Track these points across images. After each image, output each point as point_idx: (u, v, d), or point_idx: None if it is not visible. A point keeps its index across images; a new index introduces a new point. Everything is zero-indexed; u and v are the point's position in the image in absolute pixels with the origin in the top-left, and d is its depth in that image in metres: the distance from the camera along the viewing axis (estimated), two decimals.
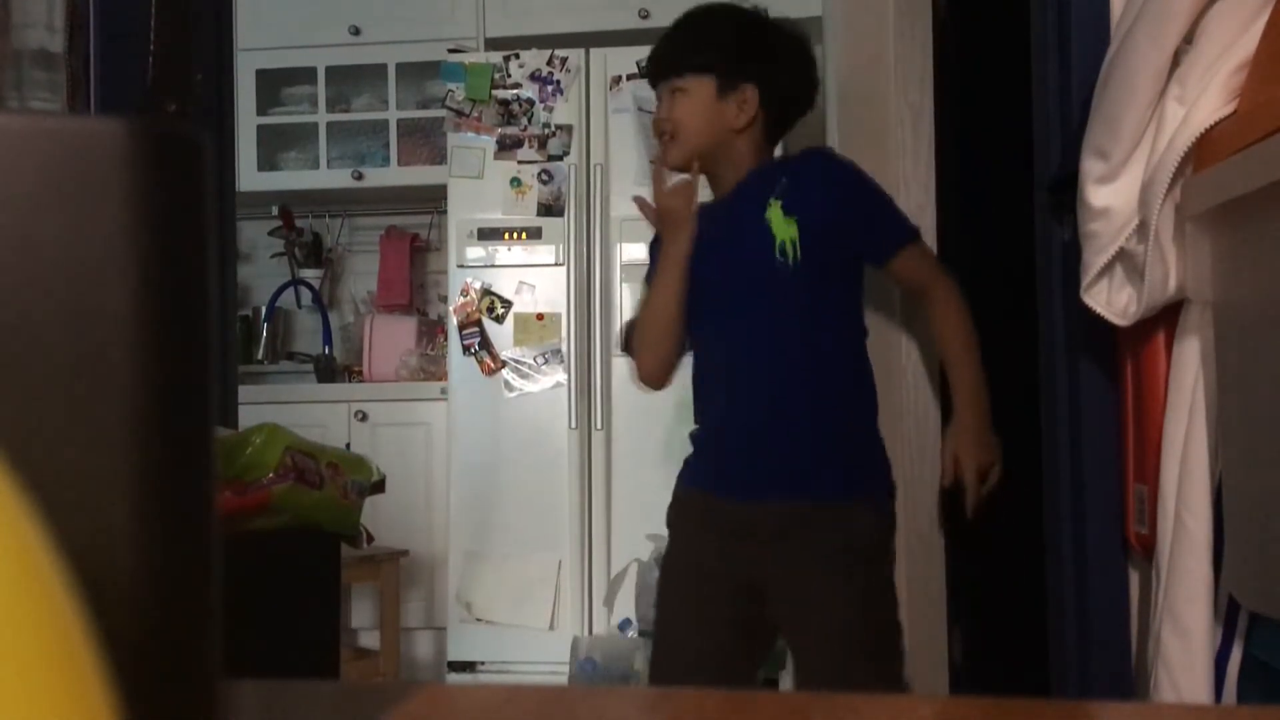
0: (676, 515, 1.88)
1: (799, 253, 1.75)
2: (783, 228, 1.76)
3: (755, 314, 1.78)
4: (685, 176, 1.82)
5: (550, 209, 3.46)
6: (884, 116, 2.55)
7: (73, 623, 0.22)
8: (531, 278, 3.47)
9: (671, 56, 1.85)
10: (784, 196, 1.78)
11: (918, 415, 2.49)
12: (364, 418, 3.81)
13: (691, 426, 1.90)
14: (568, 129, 3.47)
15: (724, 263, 1.82)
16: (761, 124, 1.86)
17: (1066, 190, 1.48)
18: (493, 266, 3.49)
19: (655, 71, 1.88)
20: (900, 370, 2.50)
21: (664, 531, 1.93)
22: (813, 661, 1.76)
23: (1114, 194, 1.32)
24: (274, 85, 4.21)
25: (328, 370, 4.19)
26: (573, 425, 3.39)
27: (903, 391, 2.51)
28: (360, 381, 4.10)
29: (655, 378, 1.89)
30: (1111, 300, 1.37)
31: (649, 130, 3.28)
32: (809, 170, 1.86)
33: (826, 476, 1.76)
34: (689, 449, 1.91)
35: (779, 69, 1.86)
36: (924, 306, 1.97)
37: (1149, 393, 1.39)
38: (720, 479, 1.81)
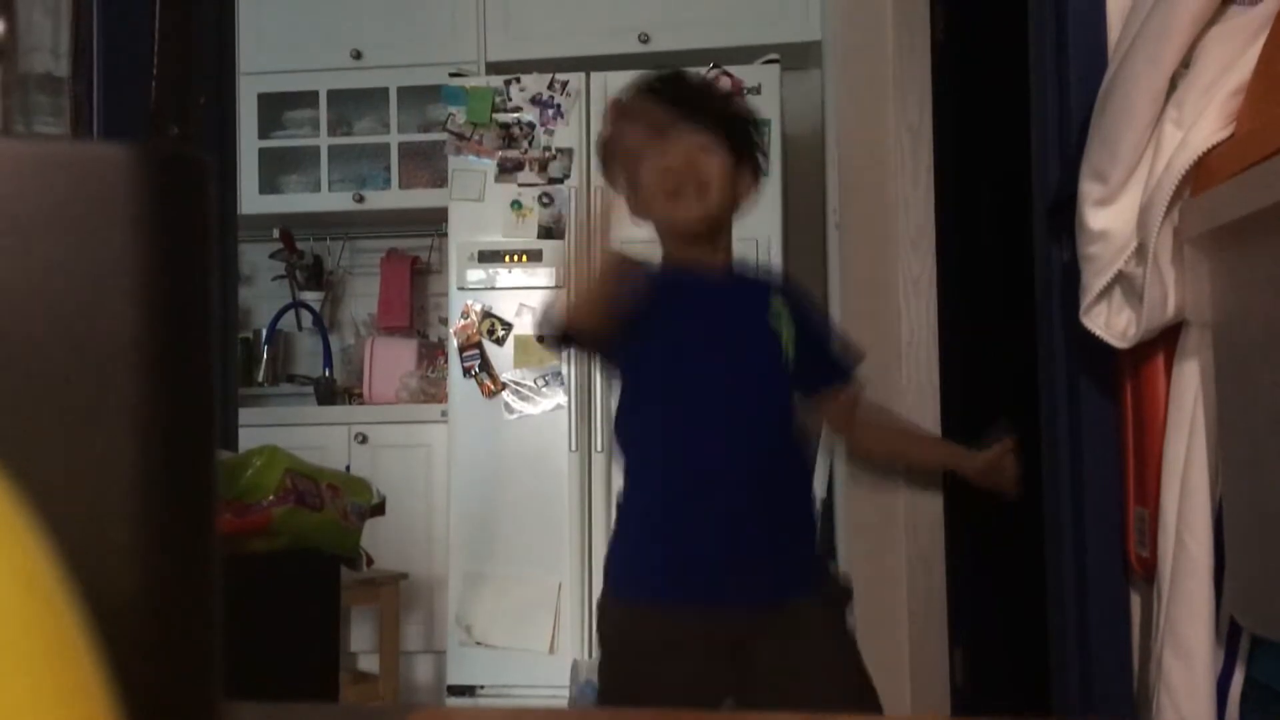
0: (629, 633, 1.67)
1: (793, 363, 1.72)
2: (789, 336, 1.72)
3: (753, 413, 1.69)
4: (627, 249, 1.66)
5: (551, 232, 3.47)
6: (883, 139, 2.56)
7: (76, 642, 0.22)
8: (532, 300, 3.47)
9: (701, 112, 1.71)
10: (788, 305, 1.75)
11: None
12: (364, 440, 3.81)
13: None
14: (568, 152, 3.48)
15: (720, 352, 1.70)
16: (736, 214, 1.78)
17: (1065, 213, 1.49)
18: (493, 289, 3.50)
19: (676, 118, 1.71)
20: (900, 391, 2.50)
21: None
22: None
23: (1112, 216, 1.32)
24: (276, 109, 4.22)
25: (328, 392, 4.19)
26: (573, 448, 3.38)
27: (902, 410, 2.51)
28: (360, 403, 4.10)
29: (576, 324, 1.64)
30: (1111, 323, 1.37)
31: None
32: (797, 286, 1.85)
33: (807, 573, 1.73)
34: None
35: (758, 154, 1.81)
36: (846, 431, 1.97)
37: (1149, 415, 1.39)
38: (703, 585, 1.63)
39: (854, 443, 2.04)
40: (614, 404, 1.83)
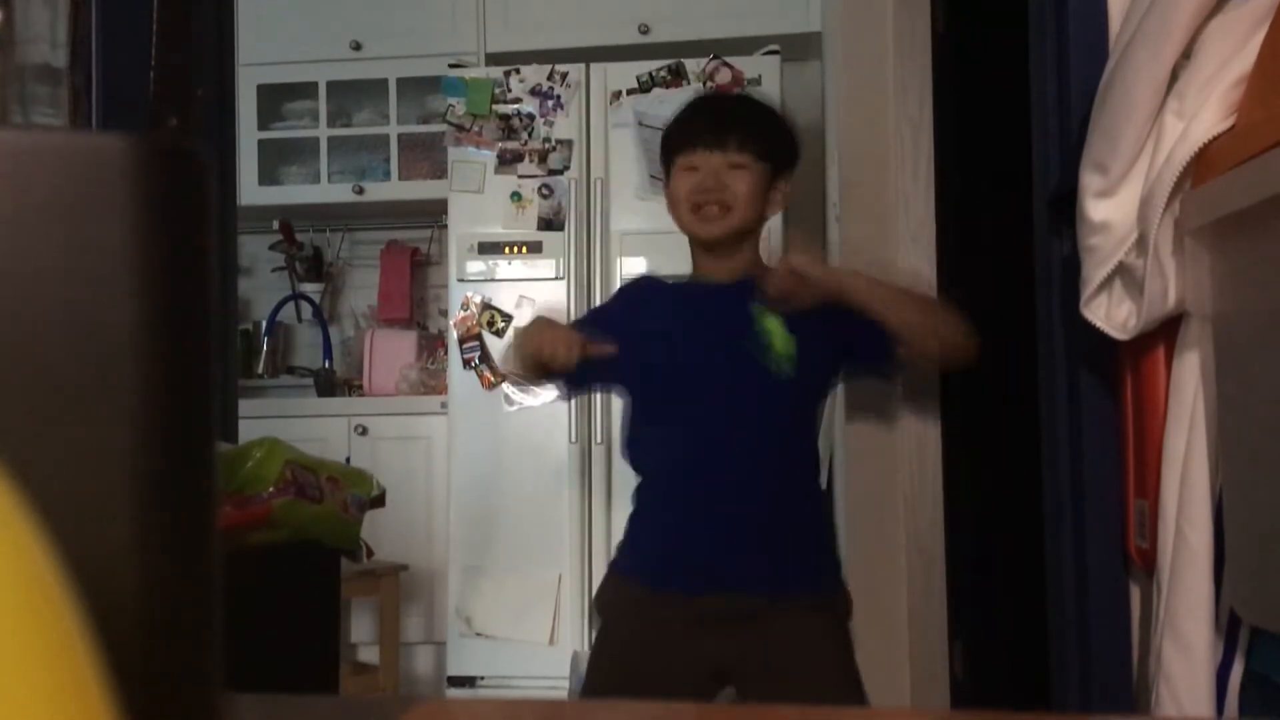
0: (620, 608, 1.79)
1: (795, 368, 1.73)
2: (783, 342, 1.73)
3: (744, 416, 1.74)
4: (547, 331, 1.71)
5: (550, 223, 3.46)
6: (884, 131, 2.55)
7: (76, 636, 0.22)
8: (532, 292, 3.47)
9: (739, 131, 1.77)
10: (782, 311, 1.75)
11: (918, 432, 2.49)
12: (364, 432, 3.81)
13: None
14: (568, 143, 3.48)
15: (715, 355, 1.76)
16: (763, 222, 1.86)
17: (1066, 205, 1.48)
18: (493, 280, 3.49)
19: (714, 138, 1.77)
20: (899, 381, 2.50)
21: None
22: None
23: (1113, 208, 1.32)
24: (275, 100, 4.22)
25: (328, 384, 4.19)
26: (573, 440, 3.38)
27: (902, 409, 2.51)
28: (360, 395, 4.10)
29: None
30: (1111, 314, 1.37)
31: (649, 145, 3.28)
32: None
33: (807, 574, 1.75)
34: None
35: (795, 168, 1.88)
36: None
37: (1149, 407, 1.39)
38: (690, 573, 1.72)
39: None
40: (617, 409, 1.89)
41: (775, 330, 1.73)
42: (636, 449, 1.83)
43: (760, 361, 1.72)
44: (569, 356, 1.67)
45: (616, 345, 1.74)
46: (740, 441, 1.73)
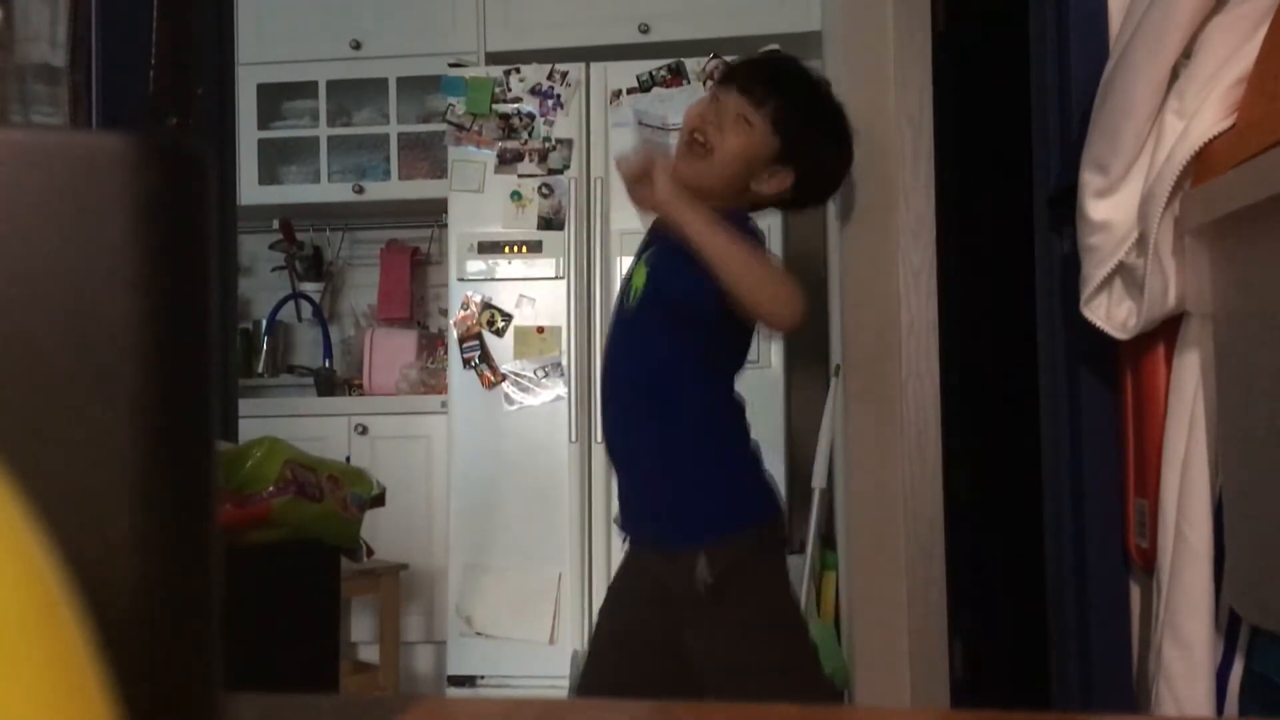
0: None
1: (638, 300, 1.71)
2: (640, 278, 1.72)
3: (617, 359, 1.76)
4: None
5: (550, 222, 3.46)
6: (884, 129, 2.55)
7: (74, 634, 0.22)
8: (532, 291, 3.47)
9: (763, 84, 1.70)
10: (656, 253, 1.73)
11: (918, 425, 2.50)
12: (364, 431, 3.81)
13: None
14: (568, 143, 3.48)
15: (622, 301, 1.80)
16: (757, 202, 1.77)
17: (1066, 203, 1.48)
18: (493, 280, 3.49)
19: (737, 79, 1.72)
20: (899, 380, 2.50)
21: None
22: (725, 689, 1.69)
23: (1113, 207, 1.32)
24: (275, 99, 4.22)
25: (328, 383, 4.19)
26: (573, 439, 3.38)
27: (902, 402, 2.52)
28: (360, 395, 4.10)
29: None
30: (1111, 313, 1.37)
31: (649, 143, 3.27)
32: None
33: (696, 520, 1.71)
34: None
35: (819, 177, 1.78)
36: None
37: (1149, 406, 1.39)
38: (624, 523, 1.82)
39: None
40: None
41: (639, 270, 1.74)
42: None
43: (632, 307, 1.73)
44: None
45: None
46: (617, 387, 1.76)
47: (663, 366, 1.71)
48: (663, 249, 1.71)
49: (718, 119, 1.70)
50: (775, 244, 3.38)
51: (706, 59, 3.43)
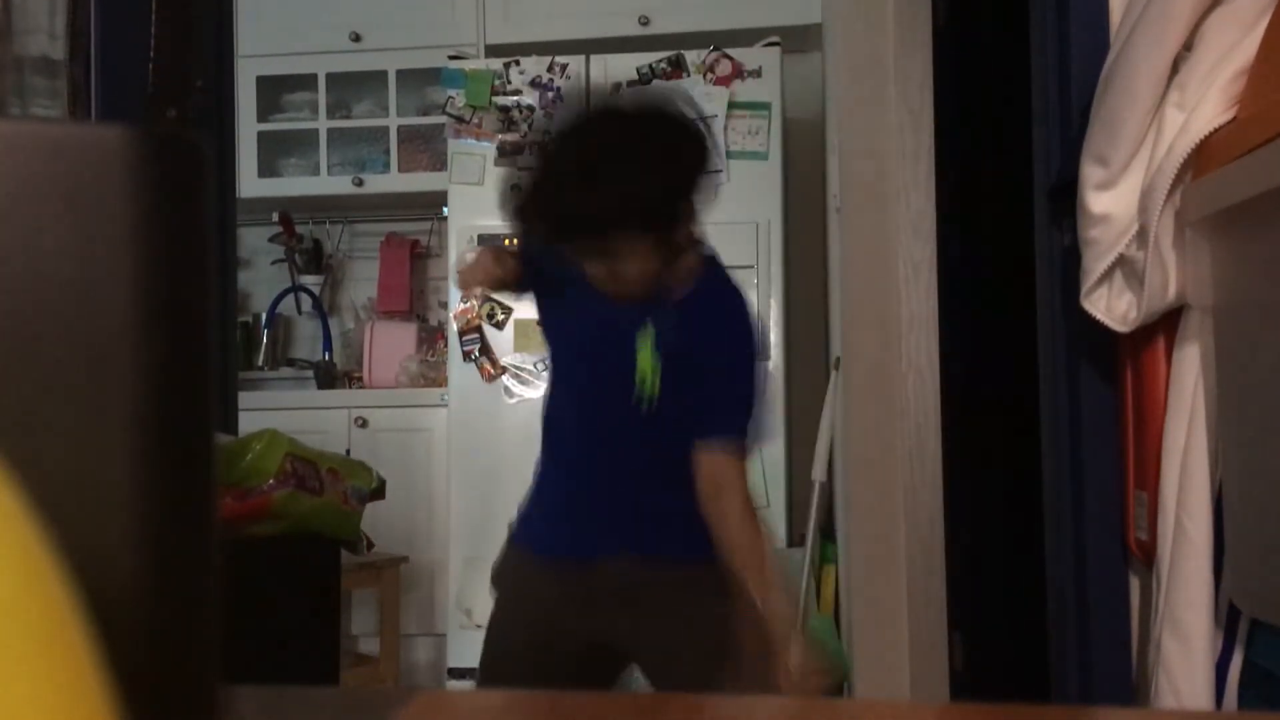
0: (516, 575, 1.84)
1: (658, 389, 1.68)
2: (650, 384, 1.69)
3: (616, 427, 1.75)
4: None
5: None
6: (884, 122, 2.55)
7: (74, 627, 0.22)
8: None
9: (600, 221, 1.59)
10: (666, 333, 1.68)
11: (918, 421, 2.50)
12: (364, 424, 3.81)
13: None
14: None
15: (602, 359, 1.73)
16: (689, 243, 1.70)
17: (1066, 196, 1.48)
18: None
19: (591, 251, 1.63)
20: (899, 375, 2.50)
21: None
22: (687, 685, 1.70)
23: (1114, 200, 1.32)
24: (274, 92, 4.21)
25: (328, 376, 4.20)
26: None
27: (902, 396, 2.52)
28: (360, 388, 4.10)
29: None
30: (1111, 307, 1.37)
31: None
32: (698, 305, 1.71)
33: (685, 539, 1.71)
34: None
35: (704, 189, 1.68)
36: (706, 501, 1.69)
37: (1149, 399, 1.39)
38: (574, 541, 1.77)
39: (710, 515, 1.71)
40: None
41: (646, 366, 1.69)
42: (548, 404, 1.85)
43: (626, 378, 1.70)
44: (497, 273, 1.79)
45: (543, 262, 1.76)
46: (624, 466, 1.74)
47: (688, 443, 1.69)
48: (670, 342, 1.68)
49: (611, 278, 1.64)
50: (775, 243, 3.37)
51: (706, 51, 3.43)
